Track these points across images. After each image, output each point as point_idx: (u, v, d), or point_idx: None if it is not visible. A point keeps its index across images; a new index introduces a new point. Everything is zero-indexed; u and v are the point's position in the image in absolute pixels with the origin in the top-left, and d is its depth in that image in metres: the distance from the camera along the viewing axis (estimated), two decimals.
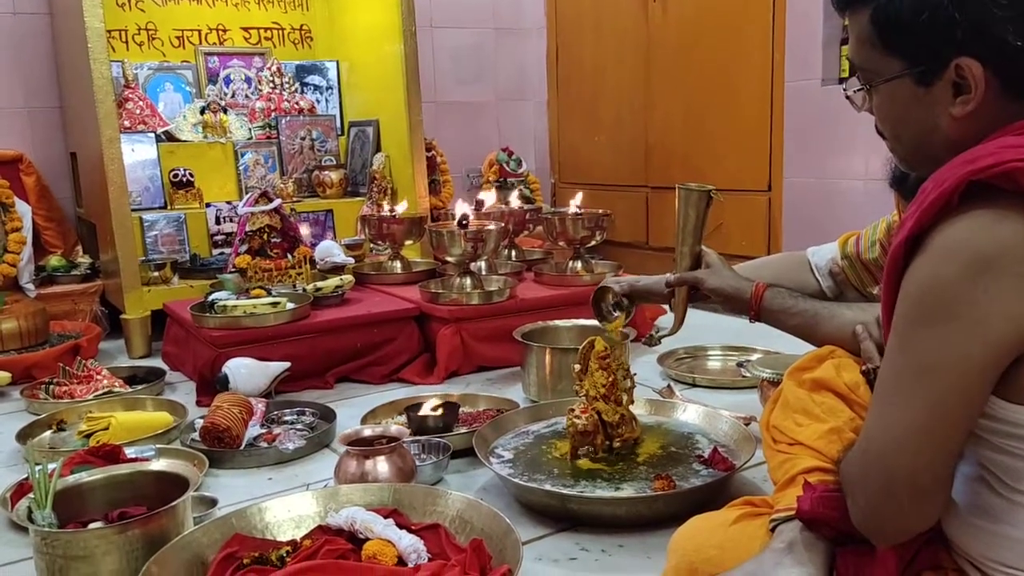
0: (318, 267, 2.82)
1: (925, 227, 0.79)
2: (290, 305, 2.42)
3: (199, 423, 1.93)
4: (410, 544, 1.29)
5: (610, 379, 1.68)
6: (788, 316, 1.37)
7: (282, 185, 3.30)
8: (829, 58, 3.06)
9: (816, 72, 3.08)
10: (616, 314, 1.78)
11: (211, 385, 2.18)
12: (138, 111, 3.24)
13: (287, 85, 3.56)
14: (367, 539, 1.31)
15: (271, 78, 3.54)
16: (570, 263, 2.87)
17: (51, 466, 1.37)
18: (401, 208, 3.03)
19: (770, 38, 3.22)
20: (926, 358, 0.79)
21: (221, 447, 1.84)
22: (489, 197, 3.27)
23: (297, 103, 3.54)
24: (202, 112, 3.36)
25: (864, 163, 2.98)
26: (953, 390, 0.78)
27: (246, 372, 2.15)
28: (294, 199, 3.29)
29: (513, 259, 3.14)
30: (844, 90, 0.98)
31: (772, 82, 3.24)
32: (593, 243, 2.86)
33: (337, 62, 3.75)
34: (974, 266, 0.75)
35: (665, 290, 1.62)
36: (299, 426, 2.01)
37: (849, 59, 0.95)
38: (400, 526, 1.33)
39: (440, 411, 1.90)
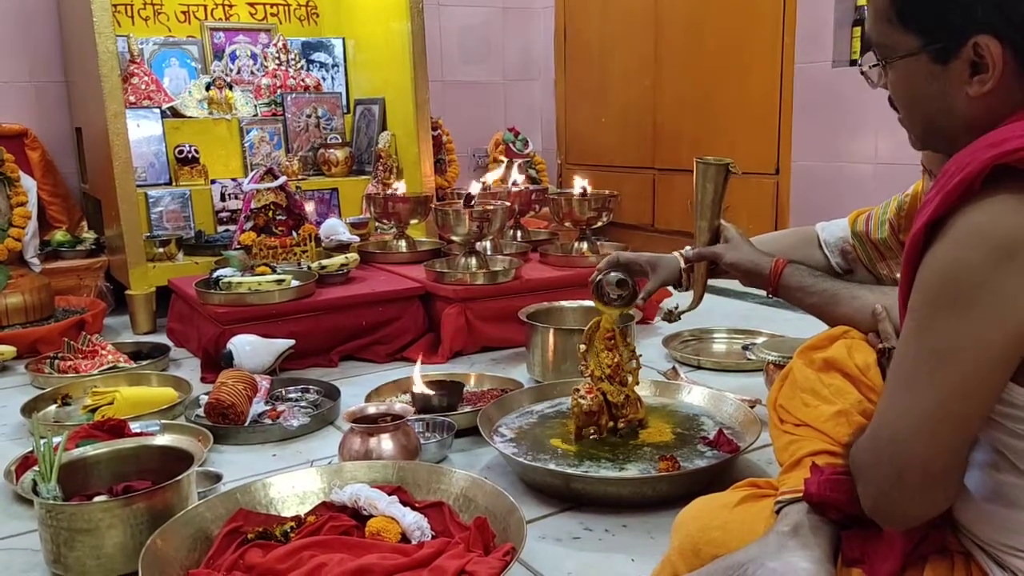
0: (323, 245, 2.81)
1: (947, 211, 0.78)
2: (295, 283, 2.42)
3: (204, 399, 1.93)
4: (414, 521, 1.29)
5: (615, 360, 1.68)
6: (806, 294, 1.34)
7: (287, 163, 3.29)
8: (840, 39, 3.03)
9: (827, 54, 3.05)
10: (615, 296, 1.72)
11: (216, 362, 2.18)
12: (143, 86, 3.23)
13: (293, 62, 3.54)
14: (371, 516, 1.31)
15: (277, 55, 3.52)
16: (576, 244, 2.86)
17: (56, 439, 1.38)
18: (401, 187, 3.01)
19: (781, 19, 3.19)
20: (945, 344, 0.78)
21: (225, 423, 1.85)
22: (493, 176, 3.23)
23: (303, 80, 3.52)
24: (207, 88, 3.34)
25: (874, 147, 2.96)
26: (971, 377, 0.77)
27: (251, 349, 2.15)
28: (299, 177, 3.28)
29: (518, 240, 3.13)
30: (859, 65, 0.97)
31: (782, 63, 3.21)
32: (599, 224, 2.85)
33: (343, 39, 3.72)
34: (998, 252, 0.74)
35: (682, 267, 1.59)
36: (303, 403, 2.01)
37: (866, 34, 0.94)
38: (404, 503, 1.34)
39: (444, 390, 1.90)
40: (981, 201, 0.76)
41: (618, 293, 1.67)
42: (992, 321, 0.75)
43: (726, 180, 1.51)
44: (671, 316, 1.64)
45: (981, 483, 0.85)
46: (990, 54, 0.81)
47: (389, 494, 1.35)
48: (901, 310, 0.85)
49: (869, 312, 1.20)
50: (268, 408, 1.95)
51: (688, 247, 1.60)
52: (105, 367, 2.29)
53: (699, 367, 2.29)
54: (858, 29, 2.99)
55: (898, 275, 1.43)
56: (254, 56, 3.59)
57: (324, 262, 2.59)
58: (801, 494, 1.01)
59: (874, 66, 0.94)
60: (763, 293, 1.44)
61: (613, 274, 1.66)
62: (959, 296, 0.76)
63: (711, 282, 1.59)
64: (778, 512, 1.03)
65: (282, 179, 2.78)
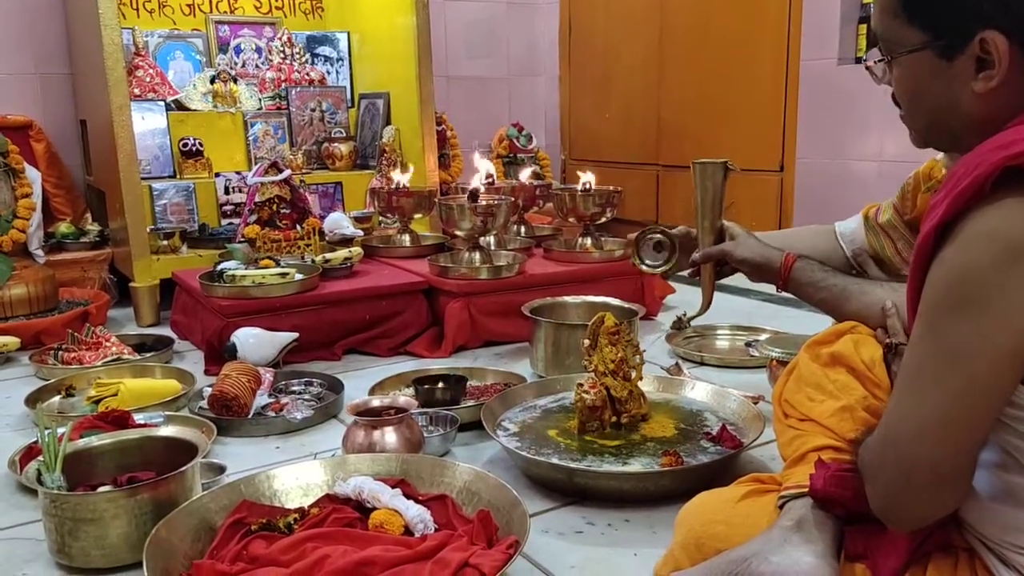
0: (327, 239, 2.81)
1: (956, 214, 0.77)
2: (299, 276, 2.42)
3: (207, 391, 1.93)
4: (417, 514, 1.29)
5: (619, 355, 1.68)
6: (816, 289, 1.33)
7: (291, 156, 3.29)
8: (846, 37, 3.03)
9: (832, 51, 3.05)
10: (658, 257, 1.63)
11: (219, 354, 2.19)
12: (148, 79, 3.23)
13: (297, 56, 3.54)
14: (374, 508, 1.32)
15: (281, 48, 3.52)
16: (579, 240, 2.86)
17: (60, 430, 1.38)
18: (406, 177, 2.98)
19: (786, 15, 3.19)
20: (954, 346, 0.77)
21: (229, 415, 1.85)
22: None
23: (307, 74, 3.52)
24: (212, 81, 3.34)
25: (879, 144, 2.95)
26: (980, 379, 0.77)
27: (254, 342, 2.15)
28: (303, 171, 3.28)
29: (522, 235, 3.13)
30: (864, 60, 0.96)
31: (787, 60, 3.21)
32: (603, 220, 2.84)
33: (348, 33, 3.72)
34: (1007, 255, 0.74)
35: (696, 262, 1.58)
36: (307, 396, 2.01)
37: (872, 29, 0.93)
38: (407, 496, 1.34)
39: (447, 384, 1.90)
40: (991, 204, 0.75)
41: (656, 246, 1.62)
42: (1001, 324, 0.75)
43: (725, 179, 1.50)
44: (680, 323, 1.65)
45: (988, 483, 0.85)
46: (996, 50, 0.80)
47: (392, 487, 1.35)
48: (909, 312, 0.85)
49: (879, 308, 1.19)
50: (272, 401, 1.95)
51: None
52: (109, 359, 2.29)
53: (702, 363, 2.29)
54: (864, 26, 2.99)
55: (906, 256, 1.43)
56: (259, 50, 3.59)
57: (328, 256, 2.60)
58: (805, 489, 1.01)
59: (879, 61, 0.93)
60: (767, 290, 1.43)
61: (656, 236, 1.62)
62: (968, 299, 0.76)
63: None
64: (781, 507, 1.03)
65: (286, 173, 2.78)
